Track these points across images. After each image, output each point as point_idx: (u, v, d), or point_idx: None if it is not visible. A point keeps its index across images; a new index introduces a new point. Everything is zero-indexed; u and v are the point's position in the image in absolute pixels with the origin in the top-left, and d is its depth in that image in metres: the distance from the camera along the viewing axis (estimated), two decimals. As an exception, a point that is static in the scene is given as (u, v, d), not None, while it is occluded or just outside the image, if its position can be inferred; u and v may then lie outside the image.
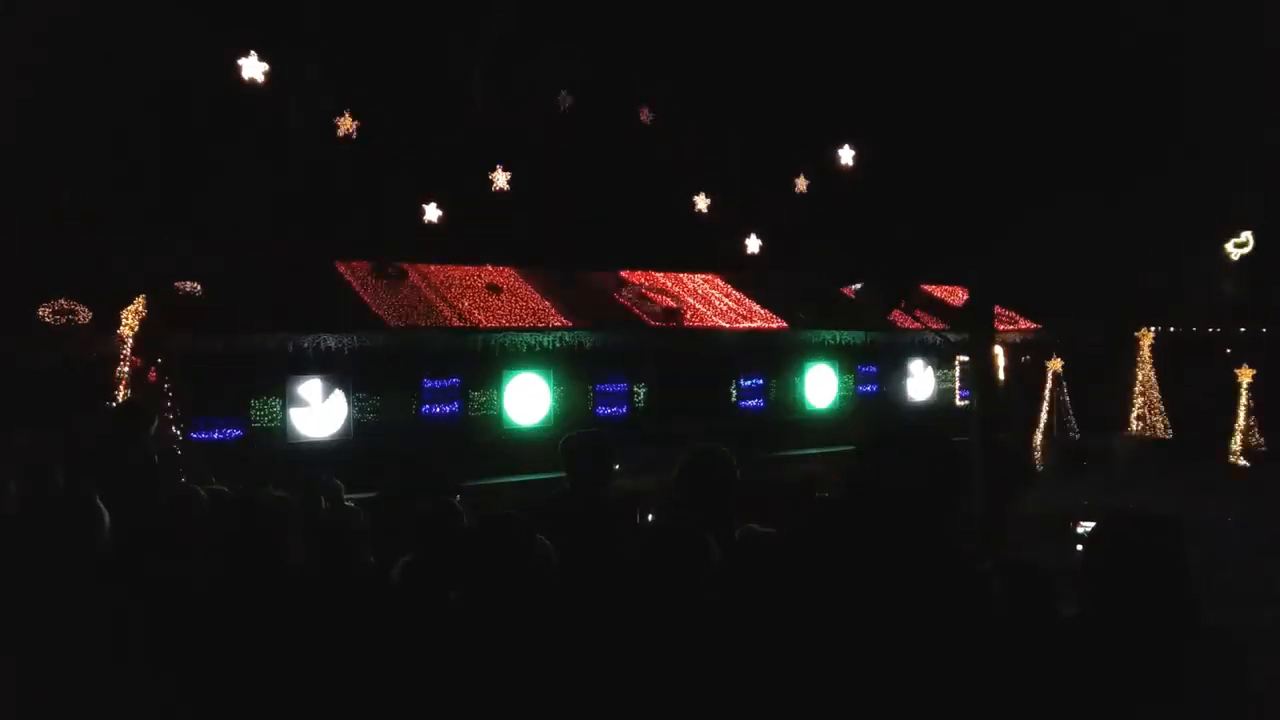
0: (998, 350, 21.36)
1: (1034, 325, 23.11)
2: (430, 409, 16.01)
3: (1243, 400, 19.66)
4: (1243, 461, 19.20)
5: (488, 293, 17.50)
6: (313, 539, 3.89)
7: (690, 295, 19.85)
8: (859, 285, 20.75)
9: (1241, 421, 19.59)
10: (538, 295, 17.92)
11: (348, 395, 15.26)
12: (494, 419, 16.60)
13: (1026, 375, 22.69)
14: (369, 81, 15.02)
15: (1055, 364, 21.14)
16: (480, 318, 16.56)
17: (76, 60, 13.26)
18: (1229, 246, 21.87)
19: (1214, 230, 23.13)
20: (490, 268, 18.40)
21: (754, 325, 19.35)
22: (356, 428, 15.30)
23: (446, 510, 4.11)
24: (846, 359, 20.78)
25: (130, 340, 12.17)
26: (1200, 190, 20.29)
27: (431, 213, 15.79)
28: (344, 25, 14.62)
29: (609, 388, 17.81)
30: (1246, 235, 21.96)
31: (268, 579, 3.47)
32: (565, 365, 17.14)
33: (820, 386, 20.45)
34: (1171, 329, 22.98)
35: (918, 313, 20.66)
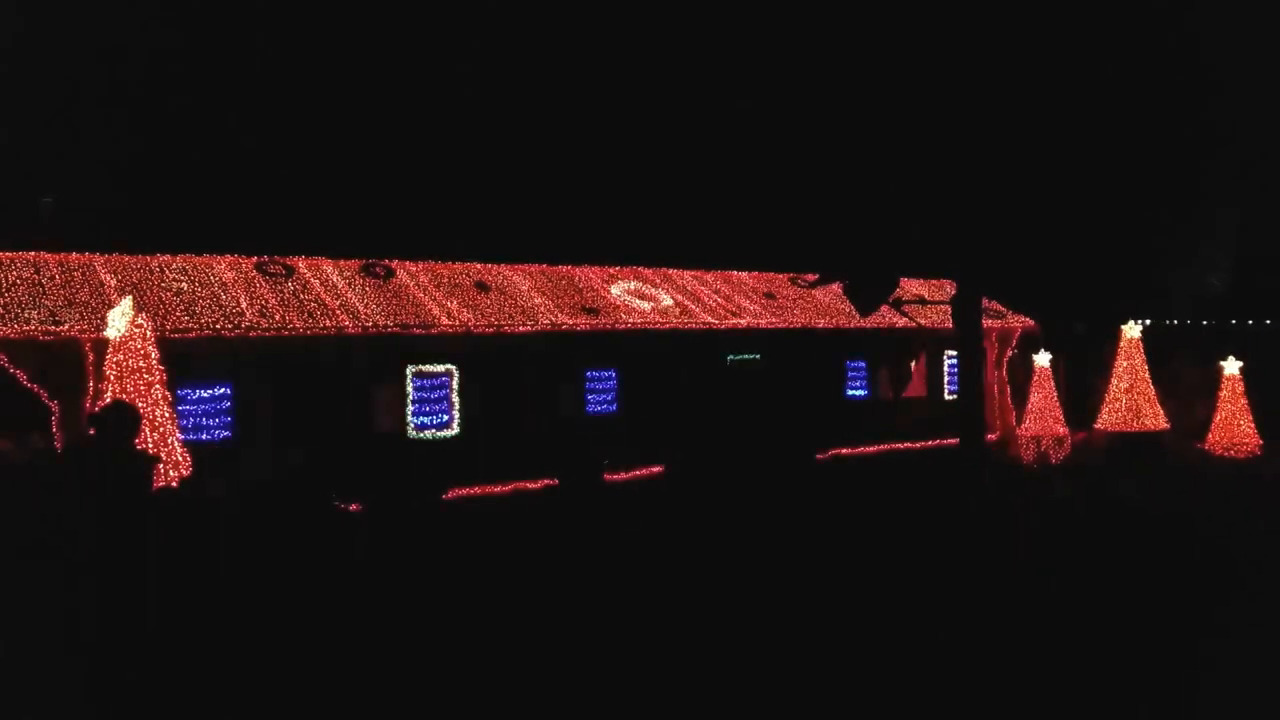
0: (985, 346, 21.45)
1: (1023, 319, 23.23)
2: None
3: (1227, 392, 19.73)
4: (1230, 454, 19.28)
5: (476, 291, 17.50)
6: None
7: (679, 292, 19.87)
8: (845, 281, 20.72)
9: (1226, 413, 19.65)
10: (527, 293, 17.92)
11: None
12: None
13: (1014, 369, 22.83)
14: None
15: (1043, 358, 21.23)
16: (469, 317, 16.55)
17: (62, 65, 13.21)
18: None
19: (1204, 224, 23.22)
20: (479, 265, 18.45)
21: (741, 322, 19.37)
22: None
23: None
24: (835, 354, 20.82)
25: (117, 343, 12.10)
26: (1190, 184, 20.37)
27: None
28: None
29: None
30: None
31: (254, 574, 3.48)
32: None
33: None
34: (1168, 321, 23.08)
35: (905, 308, 20.71)
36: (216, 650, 3.32)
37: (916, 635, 7.33)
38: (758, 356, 19.33)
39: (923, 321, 21.25)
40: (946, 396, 22.03)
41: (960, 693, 6.35)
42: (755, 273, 21.93)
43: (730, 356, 19.06)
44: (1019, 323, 23.13)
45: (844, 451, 19.51)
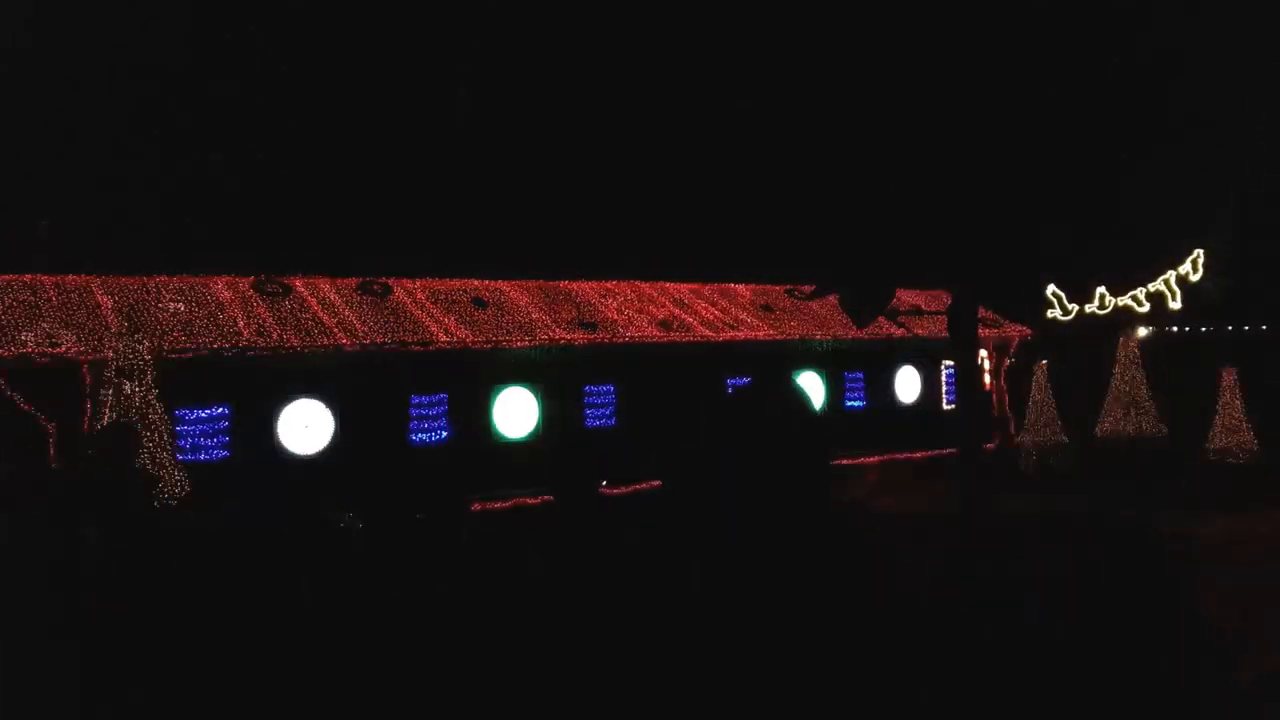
0: (982, 354, 21.50)
1: (1019, 327, 23.26)
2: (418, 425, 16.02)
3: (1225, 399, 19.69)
4: (1229, 460, 19.26)
5: (473, 307, 17.50)
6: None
7: (675, 306, 19.88)
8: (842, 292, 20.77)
9: (1225, 420, 19.60)
10: (524, 308, 17.93)
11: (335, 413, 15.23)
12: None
13: (1012, 377, 22.86)
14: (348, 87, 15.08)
15: (1041, 366, 21.23)
16: (466, 334, 16.55)
17: (57, 85, 13.27)
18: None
19: (1198, 230, 23.27)
20: (476, 282, 18.45)
21: (739, 335, 19.38)
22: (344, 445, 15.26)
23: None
24: (832, 365, 20.84)
25: (115, 363, 12.12)
26: (1182, 192, 20.42)
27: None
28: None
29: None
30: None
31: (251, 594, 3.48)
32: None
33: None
34: (1167, 328, 23.10)
35: (901, 318, 20.74)
36: (214, 669, 3.33)
37: (912, 644, 7.29)
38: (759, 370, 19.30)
39: (919, 331, 21.28)
40: (944, 406, 22.05)
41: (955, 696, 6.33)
42: (751, 285, 21.96)
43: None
44: (1016, 331, 23.16)
45: (843, 462, 19.49)
